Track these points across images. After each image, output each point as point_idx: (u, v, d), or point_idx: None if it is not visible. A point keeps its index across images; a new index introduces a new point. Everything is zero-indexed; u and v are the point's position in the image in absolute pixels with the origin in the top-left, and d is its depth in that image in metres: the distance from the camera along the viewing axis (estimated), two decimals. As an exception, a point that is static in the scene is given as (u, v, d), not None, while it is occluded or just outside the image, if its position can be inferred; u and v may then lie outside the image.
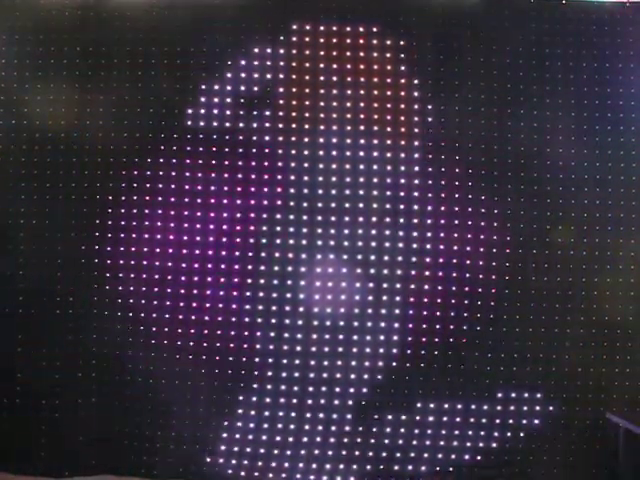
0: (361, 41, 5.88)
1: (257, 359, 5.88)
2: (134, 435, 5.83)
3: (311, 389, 5.87)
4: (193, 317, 5.87)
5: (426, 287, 5.90)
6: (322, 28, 5.89)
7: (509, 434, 5.85)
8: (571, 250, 5.88)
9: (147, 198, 5.87)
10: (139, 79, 5.87)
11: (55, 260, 5.85)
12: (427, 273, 5.89)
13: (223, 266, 5.88)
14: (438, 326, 5.87)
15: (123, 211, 5.87)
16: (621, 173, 5.87)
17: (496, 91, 5.88)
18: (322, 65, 5.90)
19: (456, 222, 5.89)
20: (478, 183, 5.88)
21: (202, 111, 5.89)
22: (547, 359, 5.86)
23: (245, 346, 5.87)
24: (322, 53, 5.89)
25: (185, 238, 5.88)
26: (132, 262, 5.87)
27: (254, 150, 5.90)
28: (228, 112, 5.89)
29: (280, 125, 5.89)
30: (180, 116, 5.89)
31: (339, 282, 5.89)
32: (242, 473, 5.79)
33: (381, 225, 5.90)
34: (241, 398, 5.87)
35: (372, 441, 5.85)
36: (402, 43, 5.88)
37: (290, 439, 5.85)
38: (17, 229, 5.84)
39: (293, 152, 5.90)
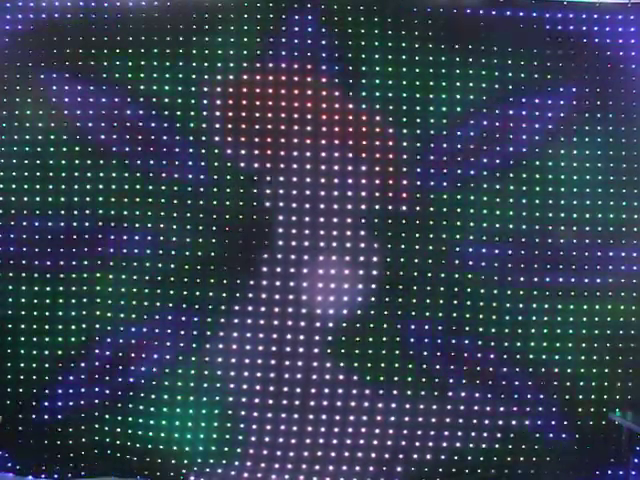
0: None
1: (260, 361, 5.88)
2: (136, 437, 5.83)
3: (313, 390, 5.88)
4: (195, 319, 5.88)
5: (428, 288, 5.91)
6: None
7: (512, 435, 5.85)
8: (573, 251, 5.89)
9: (150, 200, 5.88)
10: (141, 81, 5.88)
11: (57, 262, 5.85)
12: (429, 275, 5.91)
13: (225, 268, 5.89)
14: (440, 327, 5.88)
15: (126, 213, 5.89)
16: (623, 173, 5.89)
17: (498, 92, 5.89)
18: (324, 67, 5.92)
19: (458, 223, 5.91)
20: (480, 184, 5.90)
21: (204, 113, 5.90)
22: (549, 360, 5.87)
23: (248, 348, 5.88)
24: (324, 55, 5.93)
25: (188, 240, 5.89)
26: (134, 264, 5.87)
27: (256, 152, 5.92)
28: (230, 114, 5.90)
29: (282, 127, 5.91)
30: (182, 117, 5.90)
31: (341, 283, 5.89)
32: (245, 474, 5.80)
33: (383, 226, 5.91)
34: (244, 400, 5.88)
35: (375, 443, 5.86)
36: (404, 44, 5.91)
37: (293, 441, 5.85)
38: (18, 230, 5.84)
39: (295, 154, 5.92)
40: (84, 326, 5.87)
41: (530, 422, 5.86)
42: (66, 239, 5.87)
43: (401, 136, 5.91)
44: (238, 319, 5.88)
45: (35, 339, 5.84)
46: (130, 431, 5.84)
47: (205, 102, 5.91)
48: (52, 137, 5.86)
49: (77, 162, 5.87)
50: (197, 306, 5.89)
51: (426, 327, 5.88)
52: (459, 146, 5.91)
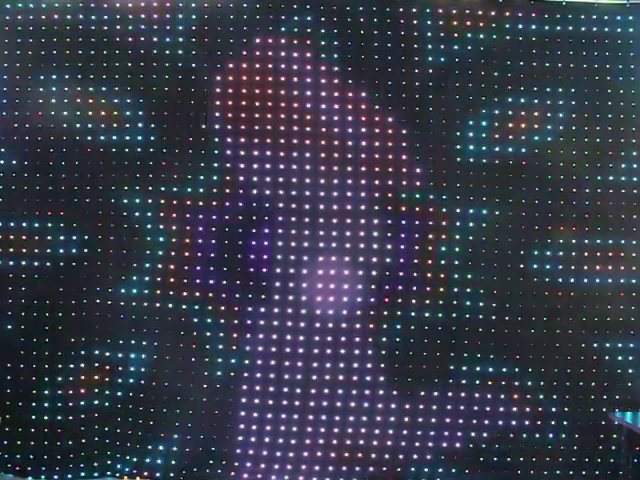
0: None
1: (259, 361, 5.89)
2: (137, 437, 5.84)
3: (313, 391, 5.88)
4: (195, 320, 5.88)
5: (428, 289, 5.91)
6: None
7: (511, 436, 5.86)
8: (573, 251, 5.89)
9: (150, 201, 5.88)
10: (142, 82, 5.89)
11: (58, 264, 5.85)
12: (429, 275, 5.91)
13: (225, 269, 5.89)
14: (440, 328, 5.88)
15: (125, 214, 5.89)
16: (622, 174, 5.89)
17: (497, 93, 5.89)
18: (323, 67, 5.93)
19: (458, 224, 5.91)
20: (480, 185, 5.90)
21: (204, 114, 5.91)
22: (549, 360, 5.87)
23: (248, 349, 5.88)
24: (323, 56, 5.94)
25: (187, 241, 5.89)
26: (134, 265, 5.88)
27: (256, 153, 5.92)
28: (230, 115, 5.91)
29: (282, 127, 5.91)
30: (182, 119, 5.90)
31: (341, 284, 5.90)
32: (245, 475, 5.80)
33: (383, 227, 5.91)
34: (244, 400, 5.89)
35: (375, 443, 5.87)
36: (404, 45, 5.91)
37: (292, 441, 5.86)
38: (19, 232, 5.84)
39: (295, 155, 5.93)
40: (84, 327, 5.87)
41: (530, 422, 5.86)
42: (65, 240, 5.88)
43: (401, 136, 5.92)
44: (237, 320, 5.89)
45: (35, 339, 5.84)
46: (130, 431, 5.85)
47: (204, 103, 5.92)
48: (52, 138, 5.87)
49: (77, 163, 5.88)
50: (197, 307, 5.89)
51: (426, 327, 5.89)
52: (458, 147, 5.91)
